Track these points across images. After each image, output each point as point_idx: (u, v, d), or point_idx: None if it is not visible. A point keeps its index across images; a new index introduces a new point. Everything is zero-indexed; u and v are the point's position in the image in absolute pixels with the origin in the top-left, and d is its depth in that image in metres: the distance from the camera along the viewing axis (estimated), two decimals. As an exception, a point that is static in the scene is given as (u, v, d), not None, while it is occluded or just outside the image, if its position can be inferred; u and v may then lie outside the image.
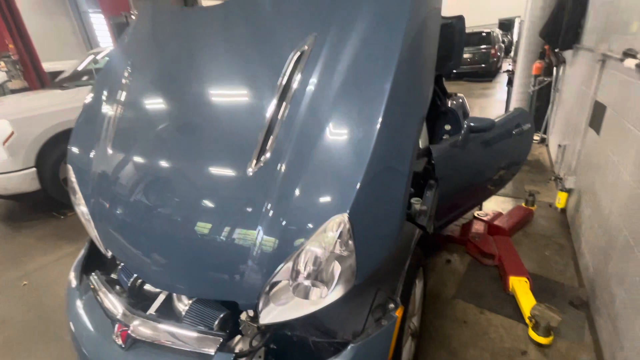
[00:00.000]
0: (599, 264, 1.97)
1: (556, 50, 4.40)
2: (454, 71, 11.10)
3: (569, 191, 2.97)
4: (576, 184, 2.87)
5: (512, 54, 10.99)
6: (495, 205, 3.32)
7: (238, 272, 1.09)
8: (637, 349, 1.36)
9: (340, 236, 0.97)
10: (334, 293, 1.02)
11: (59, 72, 5.34)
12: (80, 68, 5.03)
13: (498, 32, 12.40)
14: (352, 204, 0.95)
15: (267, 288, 1.07)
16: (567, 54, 4.11)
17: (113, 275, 1.58)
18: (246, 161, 1.14)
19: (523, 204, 3.13)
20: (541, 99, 4.84)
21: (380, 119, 1.02)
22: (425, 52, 1.28)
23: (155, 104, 1.53)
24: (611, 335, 1.63)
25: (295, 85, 1.17)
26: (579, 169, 2.86)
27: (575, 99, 3.38)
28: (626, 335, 1.48)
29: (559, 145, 3.66)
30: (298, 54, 1.20)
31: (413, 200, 1.89)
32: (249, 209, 1.10)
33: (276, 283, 1.07)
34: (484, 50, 11.19)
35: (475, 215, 2.95)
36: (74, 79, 4.77)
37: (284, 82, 1.19)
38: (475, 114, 7.14)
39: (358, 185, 0.96)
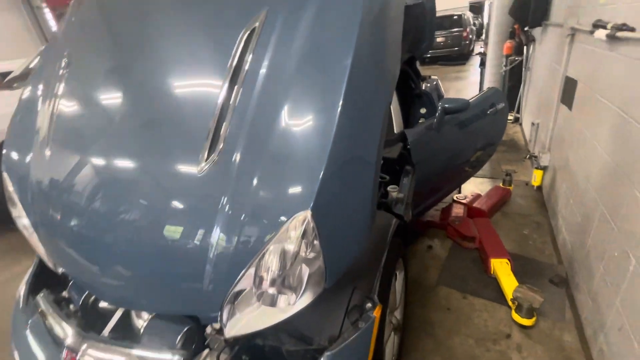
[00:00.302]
0: (577, 240, 1.97)
1: (526, 29, 4.41)
2: (428, 56, 11.17)
3: (544, 169, 2.98)
4: (551, 161, 2.88)
5: (483, 36, 11.10)
6: (474, 187, 3.31)
7: (197, 282, 0.98)
8: (618, 326, 1.35)
9: (304, 236, 0.86)
10: (303, 299, 0.92)
11: (9, 72, 4.91)
12: (31, 65, 4.63)
13: (469, 14, 12.47)
14: (315, 200, 0.85)
15: (231, 297, 0.96)
16: (537, 31, 4.12)
17: (65, 293, 1.43)
18: (198, 154, 1.01)
19: (500, 184, 3.13)
20: (513, 79, 4.87)
21: (340, 102, 0.91)
22: (389, 29, 1.17)
23: (95, 96, 1.36)
24: (592, 312, 1.63)
25: (246, 67, 1.04)
26: (553, 145, 2.87)
27: (546, 76, 3.39)
28: (607, 312, 1.46)
29: (533, 123, 3.68)
30: (248, 32, 1.06)
31: (389, 188, 1.81)
32: (204, 208, 0.98)
33: (240, 292, 0.96)
34: (456, 34, 11.22)
35: (454, 198, 2.92)
36: (25, 78, 4.39)
37: (234, 64, 1.05)
38: (450, 96, 7.15)
39: (320, 179, 0.86)
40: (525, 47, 4.56)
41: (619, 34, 1.54)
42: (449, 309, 1.96)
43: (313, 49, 1.00)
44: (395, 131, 2.19)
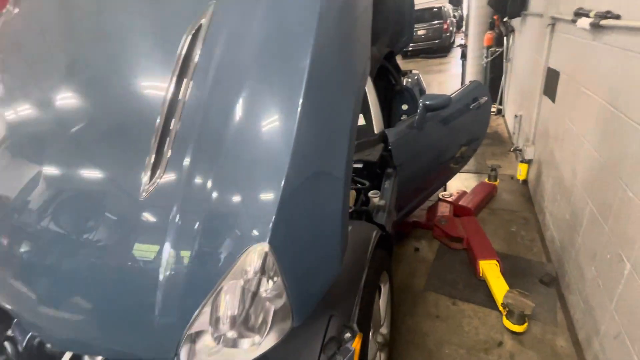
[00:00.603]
0: (565, 237, 1.90)
1: (505, 20, 4.36)
2: (410, 49, 11.11)
3: (528, 162, 2.93)
4: (535, 155, 2.83)
5: (463, 28, 11.11)
6: (459, 183, 3.24)
7: (148, 314, 0.85)
8: (614, 334, 1.28)
9: (263, 272, 0.74)
10: (269, 339, 0.80)
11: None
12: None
13: (449, 6, 12.46)
14: (273, 228, 0.72)
15: (188, 338, 0.84)
16: (516, 22, 4.07)
17: (10, 332, 1.27)
18: (143, 160, 0.87)
19: (486, 180, 3.07)
20: (495, 70, 4.83)
21: (299, 109, 0.78)
22: (355, 24, 1.04)
23: (30, 100, 1.20)
24: (584, 315, 1.56)
25: (196, 59, 0.91)
26: (537, 139, 2.81)
27: (527, 67, 3.34)
28: (601, 316, 1.39)
29: (516, 116, 3.63)
30: (195, 29, 0.92)
31: (371, 193, 1.70)
32: (152, 226, 0.86)
33: (198, 333, 0.84)
34: (436, 26, 11.20)
35: (440, 197, 2.84)
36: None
37: (181, 60, 0.91)
38: (434, 89, 7.10)
39: (278, 202, 0.73)
40: (505, 38, 4.52)
41: (603, 22, 1.46)
42: (438, 317, 1.87)
43: (266, 50, 0.87)
44: (375, 131, 2.08)
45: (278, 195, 0.73)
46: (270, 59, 0.87)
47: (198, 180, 0.84)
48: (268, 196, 0.74)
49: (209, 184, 0.82)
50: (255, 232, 0.73)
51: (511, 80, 4.41)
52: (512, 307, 1.68)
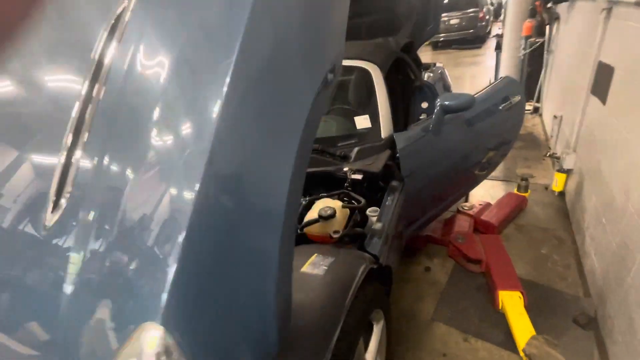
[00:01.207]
0: (610, 271, 1.56)
1: (548, 6, 3.86)
2: (441, 39, 10.46)
3: (567, 172, 2.53)
4: (576, 164, 2.43)
5: (502, 17, 10.28)
6: (484, 191, 2.88)
7: None
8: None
9: (164, 355, 0.52)
10: None
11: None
12: None
13: (486, -7, 11.59)
14: (167, 304, 0.50)
15: None
16: (562, 8, 3.57)
17: None
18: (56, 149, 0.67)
19: (515, 190, 2.70)
20: (533, 63, 4.31)
21: (215, 120, 0.54)
22: (317, 8, 0.77)
23: None
24: (632, 378, 1.24)
25: (109, 63, 0.69)
26: (580, 145, 2.41)
27: (572, 61, 2.89)
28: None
29: (555, 116, 3.19)
30: (114, 19, 0.70)
31: (369, 211, 1.44)
32: (51, 263, 0.66)
33: None
34: (471, 14, 10.44)
35: (459, 208, 2.52)
36: None
37: (96, 61, 0.70)
38: (465, 83, 6.58)
39: (175, 263, 0.50)
40: (547, 27, 4.01)
41: (685, 3, 1.10)
42: (445, 355, 1.60)
43: (190, 42, 0.63)
44: (382, 136, 1.80)
45: (176, 249, 0.50)
46: (190, 60, 0.63)
47: (107, 193, 0.61)
48: (163, 251, 0.52)
49: (117, 206, 0.60)
50: (147, 306, 0.52)
51: (552, 75, 3.91)
52: (535, 359, 1.38)
